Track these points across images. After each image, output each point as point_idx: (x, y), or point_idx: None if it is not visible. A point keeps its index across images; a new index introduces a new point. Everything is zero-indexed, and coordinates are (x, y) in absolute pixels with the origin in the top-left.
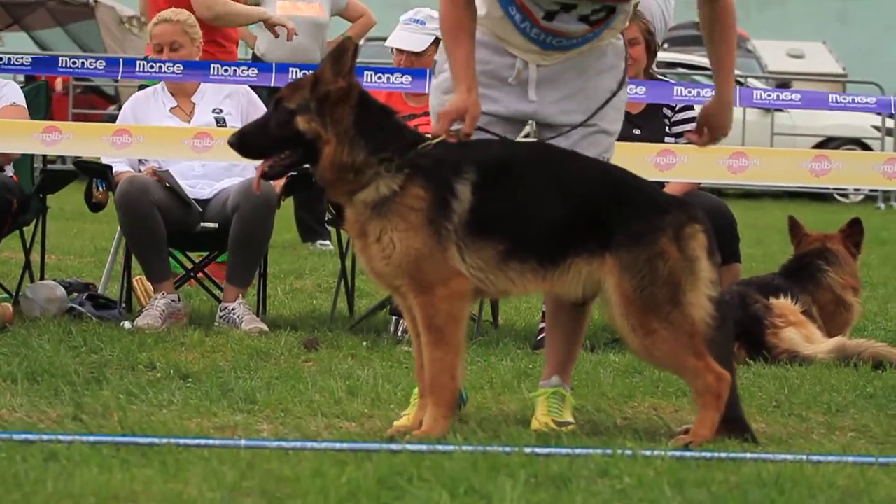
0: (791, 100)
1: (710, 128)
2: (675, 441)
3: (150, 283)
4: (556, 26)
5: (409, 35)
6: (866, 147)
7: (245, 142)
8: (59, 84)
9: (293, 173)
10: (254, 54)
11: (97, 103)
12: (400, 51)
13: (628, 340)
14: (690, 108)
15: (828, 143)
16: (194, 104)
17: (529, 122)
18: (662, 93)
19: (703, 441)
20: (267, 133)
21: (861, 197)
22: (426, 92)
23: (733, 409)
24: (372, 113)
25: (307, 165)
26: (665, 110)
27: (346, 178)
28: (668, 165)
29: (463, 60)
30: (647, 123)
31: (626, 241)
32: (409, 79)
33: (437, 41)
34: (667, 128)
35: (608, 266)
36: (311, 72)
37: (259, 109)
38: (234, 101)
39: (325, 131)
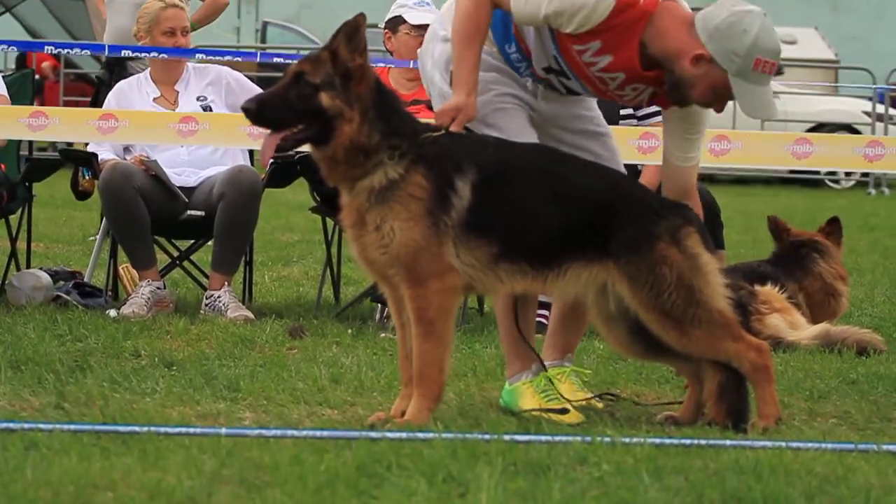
0: None
1: None
2: (752, 427)
3: (135, 272)
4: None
5: (424, 14)
6: (857, 133)
7: (263, 110)
8: (46, 68)
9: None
10: None
11: (87, 91)
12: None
13: (664, 340)
14: None
15: (819, 129)
16: (178, 92)
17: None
18: None
19: (775, 419)
20: (287, 105)
21: (852, 183)
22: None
23: (741, 399)
24: (386, 95)
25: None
26: None
27: (355, 161)
28: (650, 149)
29: (472, 64)
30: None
31: (625, 250)
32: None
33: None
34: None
35: (614, 274)
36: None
37: (246, 86)
38: (216, 88)
39: (348, 109)
